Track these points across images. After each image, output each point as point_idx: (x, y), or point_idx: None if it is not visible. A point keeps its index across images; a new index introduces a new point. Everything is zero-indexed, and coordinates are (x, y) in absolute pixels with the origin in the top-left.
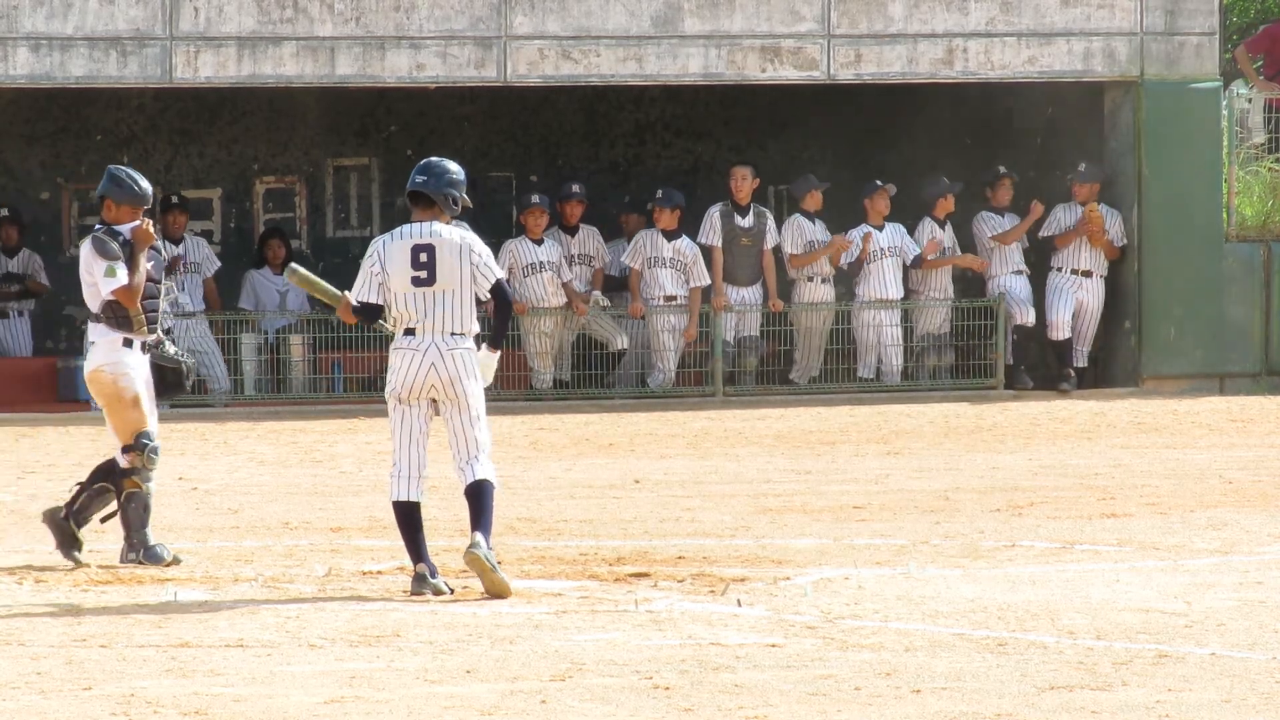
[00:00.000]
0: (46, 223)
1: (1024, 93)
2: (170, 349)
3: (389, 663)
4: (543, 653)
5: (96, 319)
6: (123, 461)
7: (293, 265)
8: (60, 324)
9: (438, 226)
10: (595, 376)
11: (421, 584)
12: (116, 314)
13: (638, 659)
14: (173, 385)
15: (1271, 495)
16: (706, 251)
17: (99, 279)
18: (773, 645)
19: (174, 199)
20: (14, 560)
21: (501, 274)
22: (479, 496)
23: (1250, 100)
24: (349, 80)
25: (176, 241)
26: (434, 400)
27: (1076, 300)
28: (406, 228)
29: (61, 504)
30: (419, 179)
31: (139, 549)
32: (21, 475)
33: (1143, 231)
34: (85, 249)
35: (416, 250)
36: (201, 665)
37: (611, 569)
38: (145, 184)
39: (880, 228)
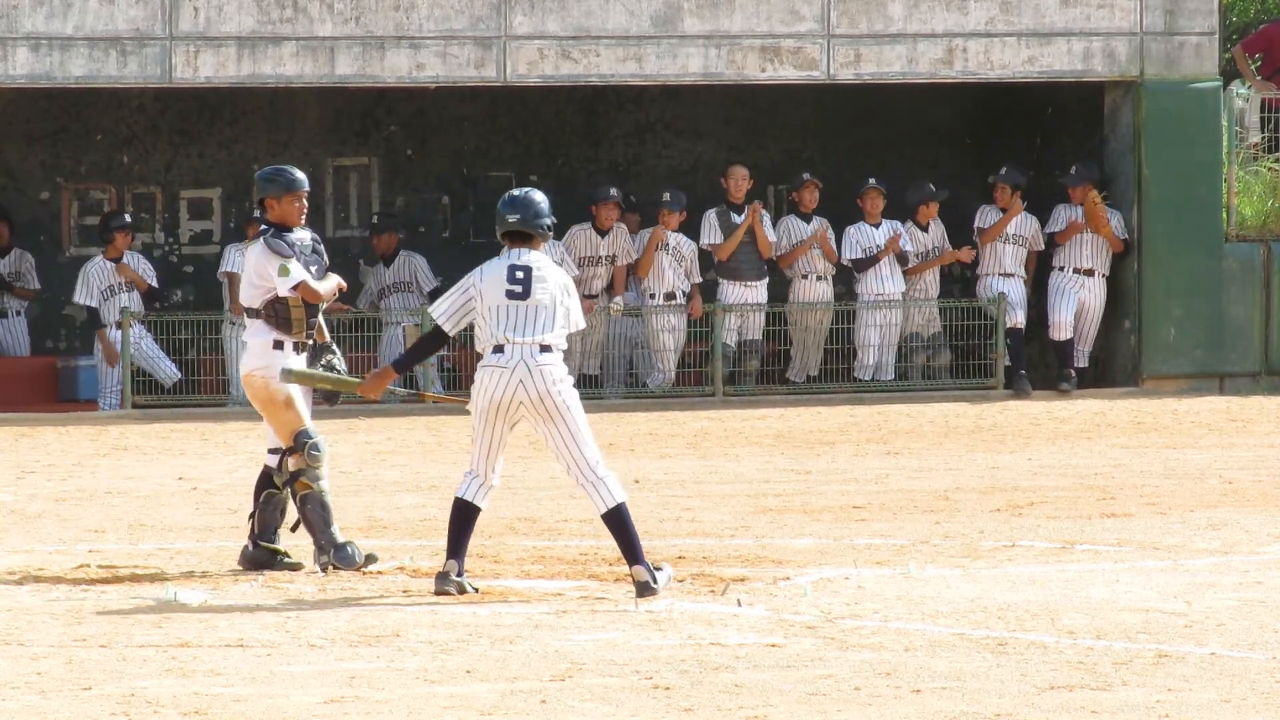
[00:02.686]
0: (46, 223)
1: (1024, 93)
2: (337, 363)
3: (389, 663)
4: (543, 653)
5: (254, 315)
6: (290, 465)
7: (286, 367)
8: (60, 324)
9: (535, 254)
10: (593, 378)
11: (445, 582)
12: (278, 313)
13: (638, 659)
14: (330, 396)
15: (1271, 495)
16: (711, 251)
17: (275, 279)
18: (773, 645)
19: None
20: (14, 560)
21: (581, 326)
22: (617, 526)
23: (1247, 100)
24: (349, 80)
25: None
26: (518, 421)
27: (1078, 300)
28: (504, 254)
29: (246, 541)
30: (512, 218)
31: (328, 549)
32: (21, 475)
33: (1143, 231)
34: (255, 250)
35: (513, 269)
36: (201, 665)
37: (611, 569)
38: (295, 170)
39: (877, 225)
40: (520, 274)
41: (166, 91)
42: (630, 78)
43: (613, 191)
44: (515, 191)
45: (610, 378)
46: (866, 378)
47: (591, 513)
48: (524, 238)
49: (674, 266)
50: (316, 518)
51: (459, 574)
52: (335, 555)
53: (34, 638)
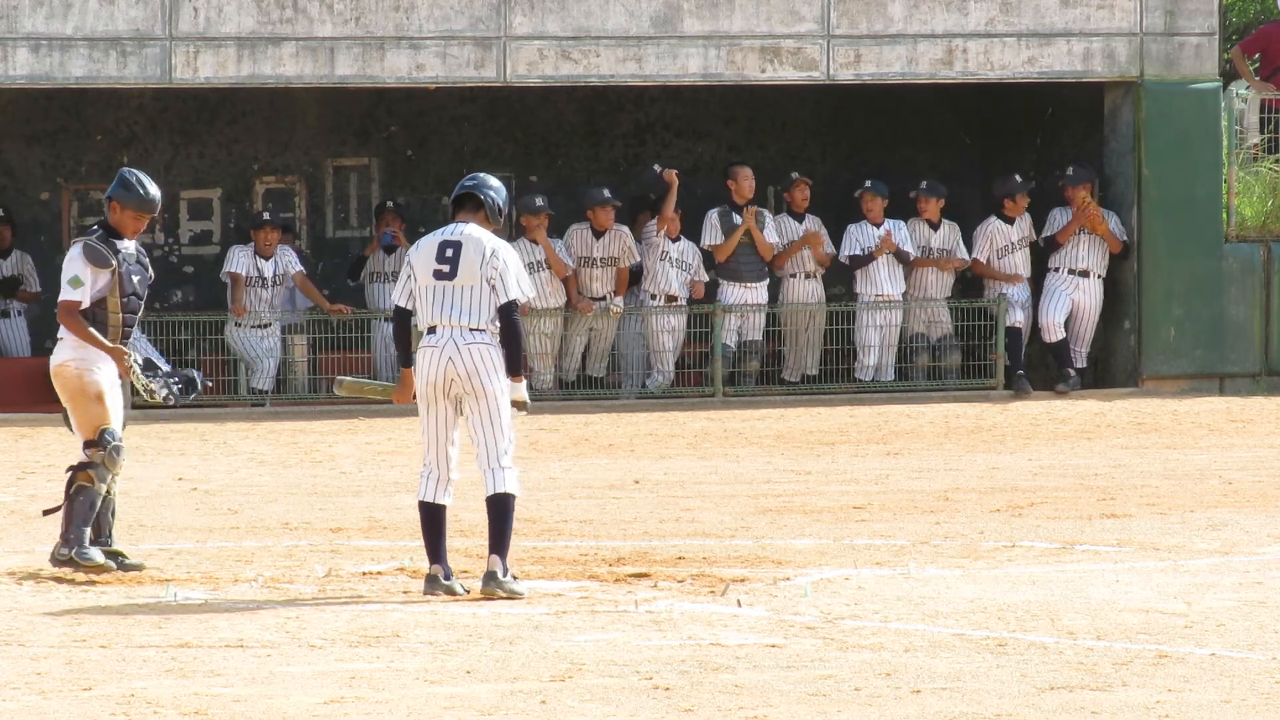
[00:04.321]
0: (46, 223)
1: (1024, 93)
2: (157, 387)
3: (389, 663)
4: (543, 653)
5: None
6: (84, 455)
7: (340, 379)
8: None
9: (473, 228)
10: (596, 379)
11: (434, 585)
12: (96, 318)
13: (638, 659)
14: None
15: (1271, 495)
16: (713, 251)
17: (63, 283)
18: (773, 645)
19: (265, 215)
20: (14, 560)
21: (517, 295)
22: (498, 513)
23: (1246, 100)
24: (349, 80)
25: (268, 258)
26: (460, 399)
27: (1072, 301)
28: (441, 228)
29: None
30: (468, 183)
31: (73, 545)
32: (21, 475)
33: (1143, 231)
34: (75, 250)
35: (444, 246)
36: (201, 665)
37: (611, 569)
38: (154, 190)
39: (879, 225)
40: (450, 251)
41: (166, 92)
42: (630, 78)
43: (606, 194)
44: (479, 173)
45: (626, 378)
46: (867, 378)
47: (591, 513)
48: (473, 206)
49: (678, 275)
50: (81, 513)
51: (447, 576)
52: (77, 553)
53: (34, 638)
